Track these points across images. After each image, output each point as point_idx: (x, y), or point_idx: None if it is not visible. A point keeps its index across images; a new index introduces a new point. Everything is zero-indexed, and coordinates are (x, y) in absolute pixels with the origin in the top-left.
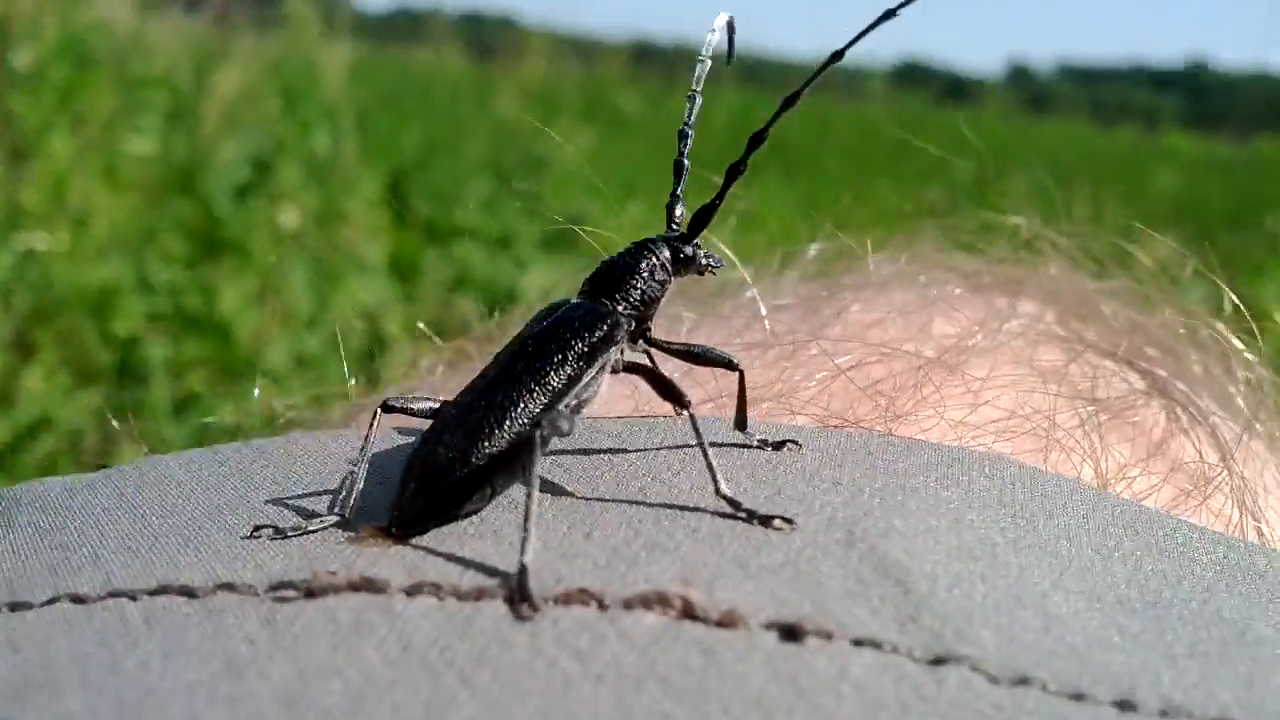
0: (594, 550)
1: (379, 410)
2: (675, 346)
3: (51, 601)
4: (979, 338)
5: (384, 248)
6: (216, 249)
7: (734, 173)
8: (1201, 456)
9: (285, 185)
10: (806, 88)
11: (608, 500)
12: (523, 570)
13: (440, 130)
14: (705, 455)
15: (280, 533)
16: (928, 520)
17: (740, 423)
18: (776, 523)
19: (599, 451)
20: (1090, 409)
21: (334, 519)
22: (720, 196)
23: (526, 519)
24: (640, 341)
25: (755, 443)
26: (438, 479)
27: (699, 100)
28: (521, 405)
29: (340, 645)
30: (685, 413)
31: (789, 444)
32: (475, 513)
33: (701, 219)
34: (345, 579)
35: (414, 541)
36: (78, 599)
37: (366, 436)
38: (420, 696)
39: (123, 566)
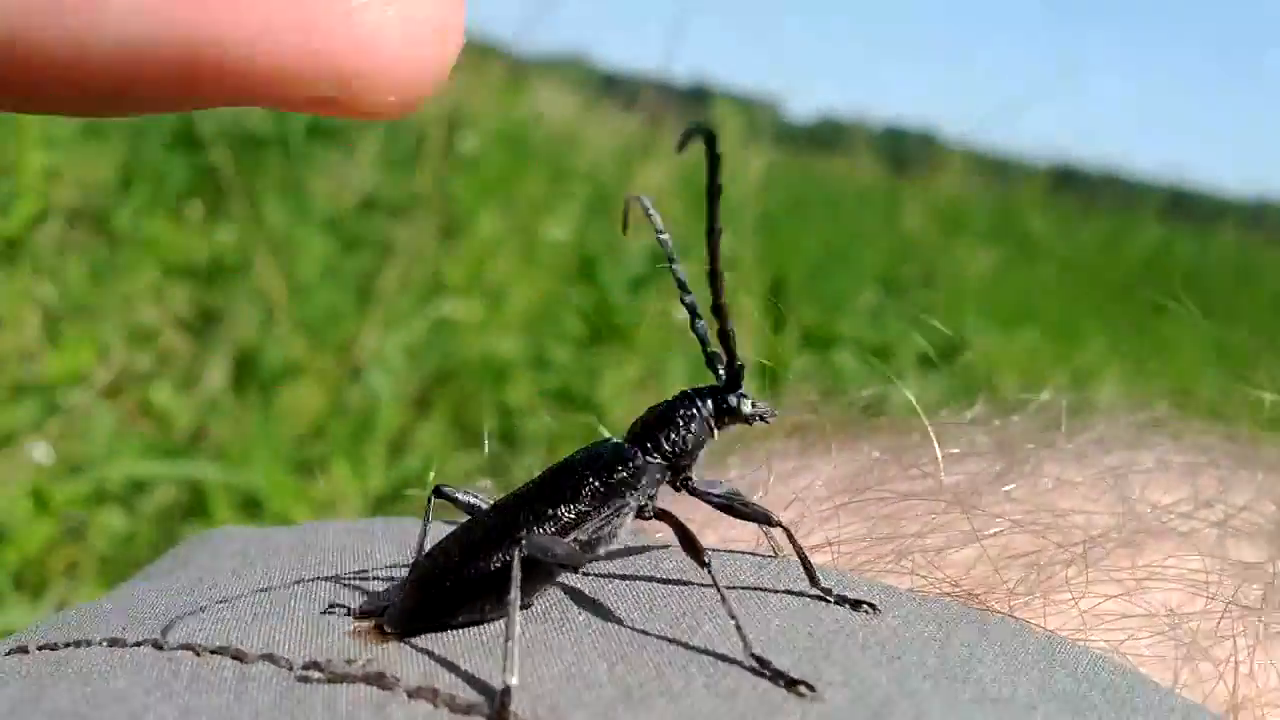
0: (609, 685)
1: (431, 496)
2: (714, 498)
3: (139, 644)
4: (1165, 519)
5: (757, 347)
6: (607, 334)
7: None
8: None
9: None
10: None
11: (652, 635)
12: (505, 691)
13: (841, 239)
14: (730, 612)
15: (350, 613)
16: (974, 716)
17: (810, 578)
18: (801, 688)
19: (669, 582)
20: (1262, 622)
21: (379, 607)
22: (728, 342)
23: (507, 639)
24: (682, 489)
25: (831, 598)
26: (430, 586)
27: (677, 269)
28: (520, 530)
29: None
30: (705, 569)
31: (866, 605)
32: (473, 624)
33: (734, 374)
34: (361, 671)
35: (446, 645)
36: (157, 645)
37: (423, 523)
38: None
39: (214, 620)
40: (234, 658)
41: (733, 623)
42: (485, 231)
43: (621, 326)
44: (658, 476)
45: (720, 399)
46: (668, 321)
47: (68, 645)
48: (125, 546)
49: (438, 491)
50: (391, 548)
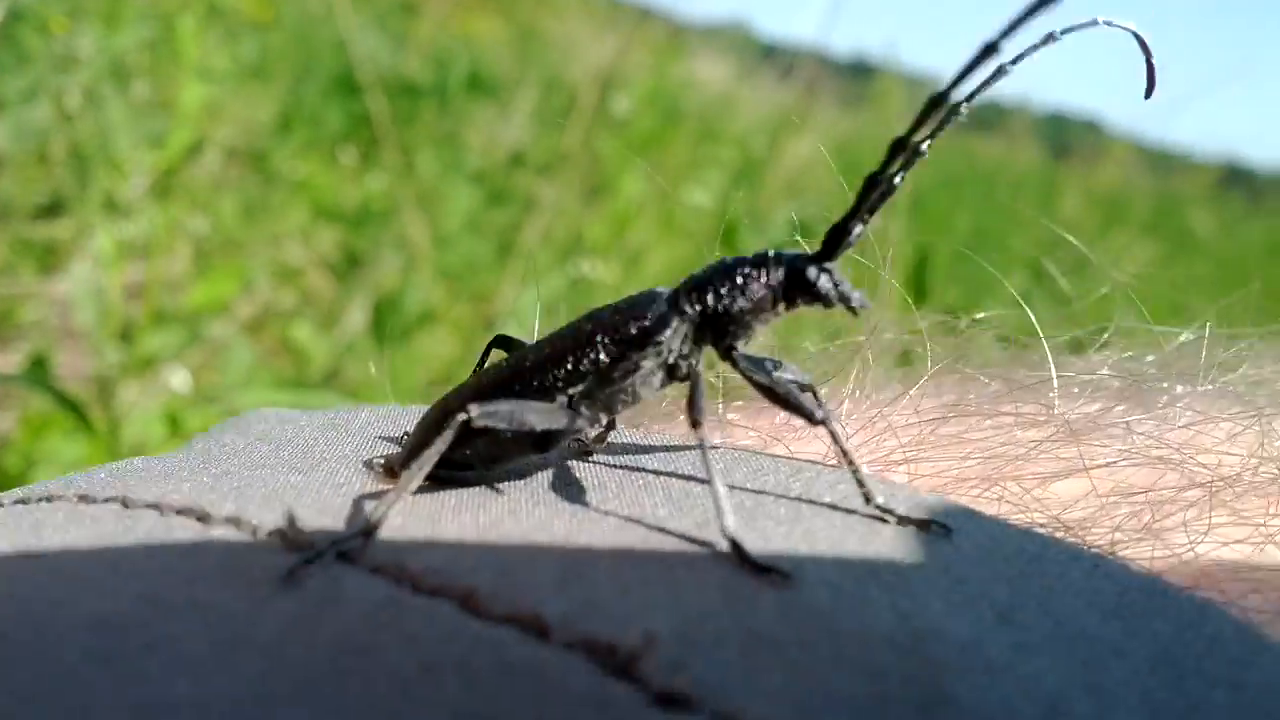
0: (551, 557)
1: (492, 342)
2: (756, 378)
3: (107, 500)
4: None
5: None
6: None
7: (871, 184)
8: None
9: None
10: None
11: (644, 514)
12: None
13: (993, 221)
14: (714, 488)
15: (370, 463)
16: (1043, 653)
17: (864, 492)
18: (773, 576)
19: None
20: None
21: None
22: (854, 212)
23: (398, 493)
24: (726, 359)
25: (892, 518)
26: (428, 431)
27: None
28: (537, 379)
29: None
30: (696, 433)
31: (935, 525)
32: (466, 473)
33: (835, 238)
34: (327, 544)
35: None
36: (124, 503)
37: (480, 361)
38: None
39: (196, 486)
40: (198, 519)
41: (716, 495)
42: (629, 193)
43: None
44: (687, 333)
45: (798, 267)
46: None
47: (40, 500)
48: None
49: (498, 340)
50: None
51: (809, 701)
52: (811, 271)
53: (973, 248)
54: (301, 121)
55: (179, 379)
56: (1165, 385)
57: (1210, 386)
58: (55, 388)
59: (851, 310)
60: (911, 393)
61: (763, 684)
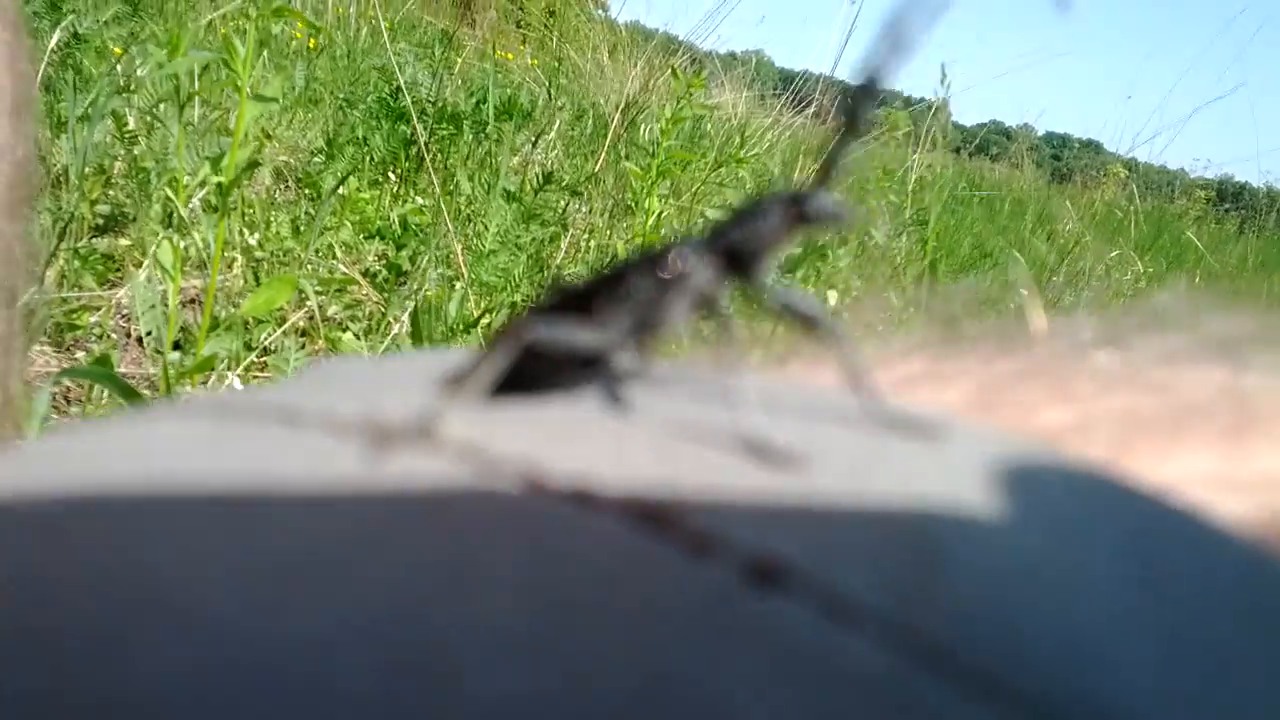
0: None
1: (549, 288)
2: (766, 297)
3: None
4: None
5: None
6: (757, 313)
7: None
8: None
9: (832, 269)
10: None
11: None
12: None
13: (994, 239)
14: (737, 390)
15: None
16: (1033, 524)
17: (864, 395)
18: (786, 457)
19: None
20: None
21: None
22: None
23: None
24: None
25: (905, 424)
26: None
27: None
28: (582, 307)
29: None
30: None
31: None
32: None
33: (826, 172)
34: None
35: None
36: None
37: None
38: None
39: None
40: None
41: (737, 395)
42: (652, 211)
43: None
44: (708, 273)
45: (793, 196)
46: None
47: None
48: None
49: (555, 286)
50: None
51: (822, 546)
52: (804, 198)
53: (974, 264)
54: (347, 145)
55: (236, 383)
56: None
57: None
58: (116, 379)
59: (834, 222)
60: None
61: (780, 532)
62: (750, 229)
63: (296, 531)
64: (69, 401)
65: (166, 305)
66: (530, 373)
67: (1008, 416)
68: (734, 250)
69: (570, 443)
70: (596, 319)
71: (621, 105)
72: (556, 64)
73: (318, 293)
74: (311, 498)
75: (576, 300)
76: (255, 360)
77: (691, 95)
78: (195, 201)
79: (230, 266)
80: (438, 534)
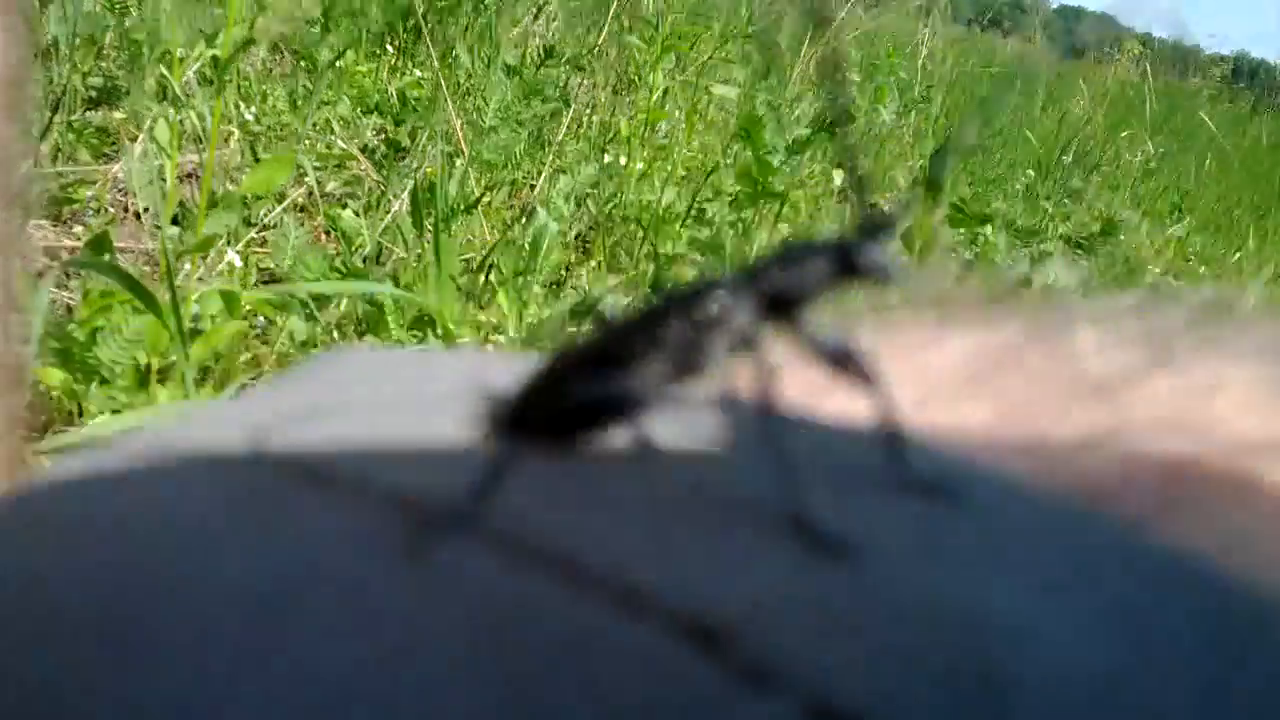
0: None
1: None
2: (811, 342)
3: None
4: None
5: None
6: (764, 193)
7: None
8: None
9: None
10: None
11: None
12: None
13: (1004, 118)
14: (777, 461)
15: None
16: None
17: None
18: (834, 550)
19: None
20: None
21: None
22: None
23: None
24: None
25: (930, 487)
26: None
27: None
28: (616, 353)
29: None
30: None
31: (965, 491)
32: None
33: (868, 219)
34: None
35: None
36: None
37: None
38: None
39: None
40: (317, 479)
41: (779, 467)
42: (657, 87)
43: (776, 189)
44: (748, 316)
45: (844, 246)
46: (827, 185)
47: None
48: (303, 349)
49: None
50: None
51: (888, 680)
52: (853, 251)
53: (985, 144)
54: (344, 17)
55: (234, 260)
56: (1188, 343)
57: (1230, 348)
58: (119, 269)
59: (885, 280)
60: (950, 359)
61: (843, 661)
62: (794, 276)
63: (333, 659)
64: (69, 277)
65: (164, 181)
66: (563, 416)
67: (1044, 457)
68: (775, 295)
69: (608, 517)
70: (632, 361)
71: None
72: None
73: (316, 168)
74: (348, 607)
75: (615, 340)
76: (255, 236)
77: None
78: (190, 74)
79: (226, 141)
80: (488, 658)
